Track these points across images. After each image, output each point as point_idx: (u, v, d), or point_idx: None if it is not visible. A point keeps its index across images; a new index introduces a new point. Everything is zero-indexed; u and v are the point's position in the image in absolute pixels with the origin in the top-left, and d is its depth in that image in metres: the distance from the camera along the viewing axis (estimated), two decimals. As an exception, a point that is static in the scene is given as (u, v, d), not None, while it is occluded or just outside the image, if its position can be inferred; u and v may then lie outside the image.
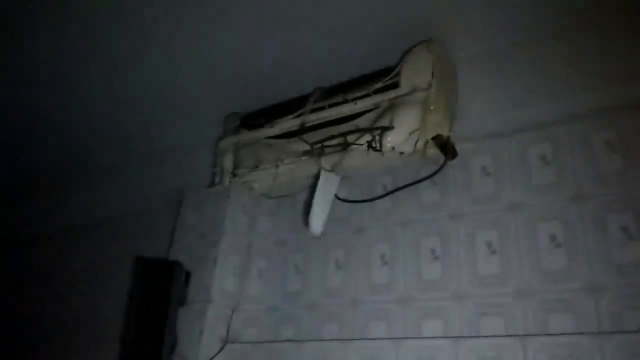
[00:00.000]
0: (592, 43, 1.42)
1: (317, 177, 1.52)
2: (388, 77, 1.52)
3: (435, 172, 1.55)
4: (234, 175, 1.70)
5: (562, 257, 1.32)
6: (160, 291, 1.61)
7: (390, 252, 1.61)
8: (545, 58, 1.47)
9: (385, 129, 1.34)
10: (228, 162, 1.73)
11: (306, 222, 1.54)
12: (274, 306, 1.76)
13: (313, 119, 1.61)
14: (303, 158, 1.54)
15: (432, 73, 1.41)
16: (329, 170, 1.49)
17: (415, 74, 1.44)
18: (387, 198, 1.61)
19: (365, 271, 1.62)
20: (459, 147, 1.55)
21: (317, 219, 1.47)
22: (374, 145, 1.37)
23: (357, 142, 1.42)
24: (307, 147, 1.53)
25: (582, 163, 1.38)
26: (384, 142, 1.34)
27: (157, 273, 1.65)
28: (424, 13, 1.46)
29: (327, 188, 1.51)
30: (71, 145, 2.27)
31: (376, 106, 1.49)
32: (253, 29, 1.55)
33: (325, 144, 1.49)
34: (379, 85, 1.53)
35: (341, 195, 1.61)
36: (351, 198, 1.66)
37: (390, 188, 1.63)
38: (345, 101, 1.57)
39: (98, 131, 2.15)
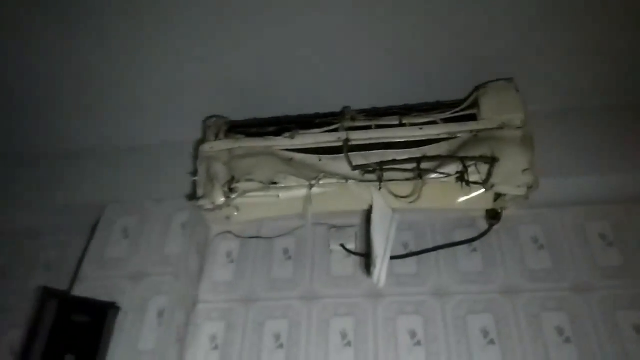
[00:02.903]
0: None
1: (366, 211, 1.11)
2: (460, 109, 1.25)
3: (481, 235, 1.27)
4: (230, 190, 1.17)
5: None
6: (84, 343, 0.94)
7: (424, 330, 1.22)
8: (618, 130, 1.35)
9: (492, 160, 1.03)
10: (222, 172, 1.21)
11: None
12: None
13: (356, 138, 1.22)
14: (350, 181, 1.12)
15: (524, 112, 1.18)
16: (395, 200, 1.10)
17: (502, 109, 1.20)
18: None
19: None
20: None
21: (382, 264, 1.04)
22: (466, 178, 1.04)
23: (442, 172, 1.07)
24: (351, 169, 1.13)
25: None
26: (493, 174, 1.02)
27: (79, 316, 0.98)
28: (505, 52, 1.27)
29: (383, 225, 1.11)
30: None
31: (451, 136, 1.18)
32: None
33: (386, 167, 1.11)
34: (447, 114, 1.24)
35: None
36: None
37: (412, 246, 1.28)
38: (401, 125, 1.24)
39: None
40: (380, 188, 1.13)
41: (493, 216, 1.30)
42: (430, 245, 1.33)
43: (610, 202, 1.35)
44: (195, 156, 1.35)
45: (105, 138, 1.59)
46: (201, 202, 1.19)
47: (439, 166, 1.13)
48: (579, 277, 1.26)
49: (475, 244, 1.34)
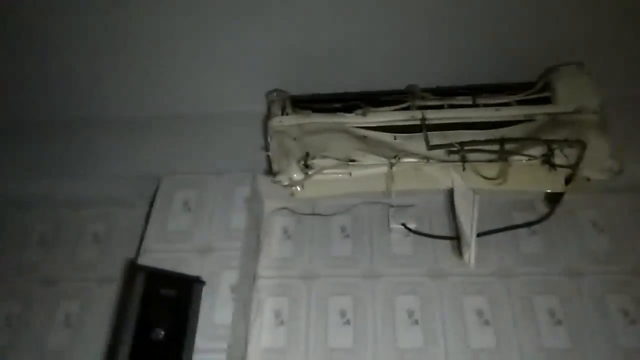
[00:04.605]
0: None
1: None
2: (533, 90, 1.24)
3: (545, 217, 1.28)
4: (306, 165, 1.16)
5: None
6: (172, 317, 0.94)
7: (491, 310, 1.24)
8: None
9: (581, 144, 1.03)
10: (295, 148, 1.19)
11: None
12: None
13: (430, 117, 1.21)
14: (431, 161, 1.12)
15: (599, 96, 1.18)
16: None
17: (577, 93, 1.20)
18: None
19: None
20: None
21: (472, 245, 1.05)
22: (552, 161, 1.04)
23: (527, 154, 1.07)
24: (428, 148, 1.13)
25: None
26: (584, 158, 1.02)
27: (166, 290, 0.97)
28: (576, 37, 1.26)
29: (467, 206, 1.11)
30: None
31: (527, 118, 1.18)
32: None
33: (468, 148, 1.10)
34: (520, 96, 1.24)
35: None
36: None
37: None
38: (475, 105, 1.23)
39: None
40: (464, 169, 1.12)
41: (555, 199, 1.31)
42: (488, 228, 1.33)
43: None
44: (263, 130, 1.32)
45: (155, 106, 1.55)
46: (278, 178, 1.17)
47: (522, 148, 1.13)
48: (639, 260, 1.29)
49: (535, 226, 1.36)
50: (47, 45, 1.34)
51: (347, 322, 1.27)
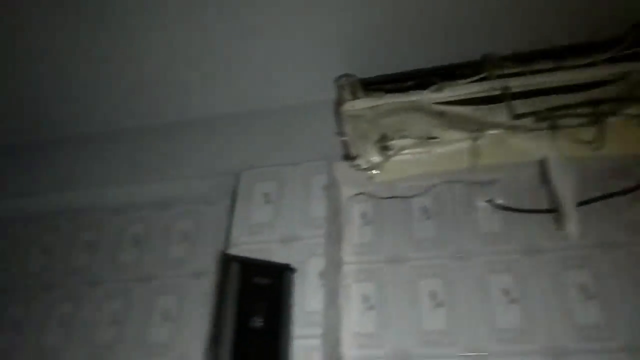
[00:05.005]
0: None
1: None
2: (621, 47, 1.14)
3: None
4: (384, 147, 1.14)
5: None
6: (267, 305, 0.95)
7: (594, 284, 1.15)
8: None
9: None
10: (370, 130, 1.17)
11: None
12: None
13: (512, 85, 1.14)
14: (517, 132, 1.05)
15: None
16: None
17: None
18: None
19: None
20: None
21: (572, 216, 0.98)
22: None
23: (626, 113, 0.99)
24: (512, 117, 1.06)
25: None
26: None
27: (260, 279, 0.99)
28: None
29: (563, 175, 1.04)
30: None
31: (618, 77, 1.08)
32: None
33: (557, 113, 1.03)
34: (606, 55, 1.14)
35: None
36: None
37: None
38: (558, 68, 1.15)
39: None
40: (556, 136, 1.05)
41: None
42: (585, 197, 1.24)
43: None
44: (336, 116, 1.31)
45: (230, 105, 1.58)
46: (357, 162, 1.16)
47: (618, 108, 1.04)
48: None
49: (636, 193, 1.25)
50: (139, 53, 1.41)
51: (440, 304, 1.24)
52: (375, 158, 1.14)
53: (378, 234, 1.41)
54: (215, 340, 0.92)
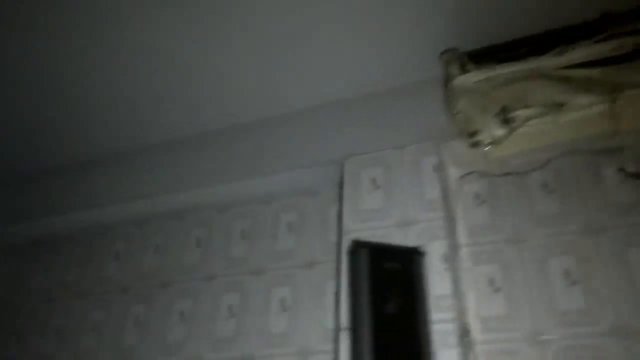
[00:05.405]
0: None
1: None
2: None
3: None
4: (507, 120, 1.07)
5: None
6: (400, 290, 0.93)
7: None
8: None
9: None
10: (488, 104, 1.11)
11: None
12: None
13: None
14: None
15: None
16: None
17: None
18: None
19: None
20: None
21: None
22: None
23: None
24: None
25: None
26: None
27: (390, 264, 0.96)
28: None
29: None
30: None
31: None
32: None
33: None
34: None
35: None
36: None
37: None
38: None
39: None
40: None
41: None
42: None
43: None
44: (445, 93, 1.26)
45: (329, 93, 1.58)
46: (478, 138, 1.10)
47: None
48: None
49: None
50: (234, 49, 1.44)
51: (574, 283, 1.16)
52: (498, 131, 1.08)
53: (494, 214, 1.34)
54: (353, 328, 0.91)
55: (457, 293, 1.17)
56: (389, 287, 0.97)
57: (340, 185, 1.42)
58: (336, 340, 1.22)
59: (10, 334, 1.77)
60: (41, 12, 1.33)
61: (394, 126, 1.45)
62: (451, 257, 1.17)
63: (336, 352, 1.18)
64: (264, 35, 1.39)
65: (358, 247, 0.99)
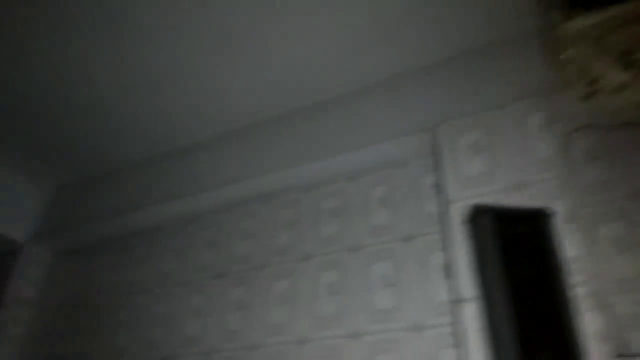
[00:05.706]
0: None
1: None
2: None
3: None
4: (631, 63, 0.97)
5: None
6: (532, 254, 0.86)
7: None
8: None
9: None
10: (605, 49, 1.01)
11: None
12: None
13: None
14: None
15: None
16: None
17: None
18: None
19: None
20: None
21: None
22: None
23: None
24: None
25: None
26: None
27: (516, 228, 0.90)
28: None
29: None
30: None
31: None
32: None
33: None
34: None
35: None
36: None
37: None
38: None
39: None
40: None
41: None
42: None
43: None
44: (547, 47, 1.17)
45: (418, 57, 1.51)
46: (597, 87, 1.01)
47: None
48: None
49: None
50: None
51: None
52: (621, 76, 0.98)
53: (610, 170, 1.24)
54: (487, 296, 0.86)
55: (583, 254, 1.10)
56: (519, 252, 0.91)
57: (434, 154, 1.36)
58: (453, 312, 1.18)
59: (119, 325, 1.85)
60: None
61: (488, 86, 1.37)
62: (574, 218, 1.09)
63: (455, 324, 1.14)
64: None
65: (481, 212, 0.94)
